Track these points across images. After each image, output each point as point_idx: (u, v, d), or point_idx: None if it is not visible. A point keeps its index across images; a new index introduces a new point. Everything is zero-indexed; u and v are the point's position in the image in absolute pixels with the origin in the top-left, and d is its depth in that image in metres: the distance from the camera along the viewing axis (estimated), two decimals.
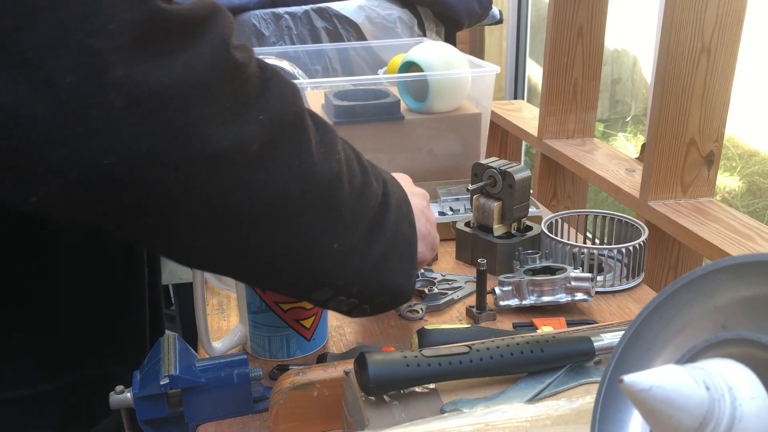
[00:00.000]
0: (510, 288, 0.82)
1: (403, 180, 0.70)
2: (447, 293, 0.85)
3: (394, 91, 1.19)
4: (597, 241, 0.97)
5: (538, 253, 0.86)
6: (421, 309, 0.82)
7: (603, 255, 0.92)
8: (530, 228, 0.95)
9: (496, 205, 0.92)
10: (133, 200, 0.45)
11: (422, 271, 0.89)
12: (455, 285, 0.88)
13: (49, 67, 0.40)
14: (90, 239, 0.69)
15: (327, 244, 0.54)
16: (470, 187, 0.92)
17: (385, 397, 0.53)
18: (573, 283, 0.81)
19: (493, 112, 1.75)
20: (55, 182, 0.42)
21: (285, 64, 1.29)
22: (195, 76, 0.44)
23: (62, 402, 0.69)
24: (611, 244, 0.94)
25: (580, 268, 0.84)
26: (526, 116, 1.75)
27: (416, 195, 0.69)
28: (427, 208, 0.70)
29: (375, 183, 0.59)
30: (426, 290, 0.84)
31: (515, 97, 2.58)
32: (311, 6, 1.64)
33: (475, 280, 0.84)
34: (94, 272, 0.71)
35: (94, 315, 0.71)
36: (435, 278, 0.89)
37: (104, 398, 0.65)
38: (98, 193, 0.44)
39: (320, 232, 0.54)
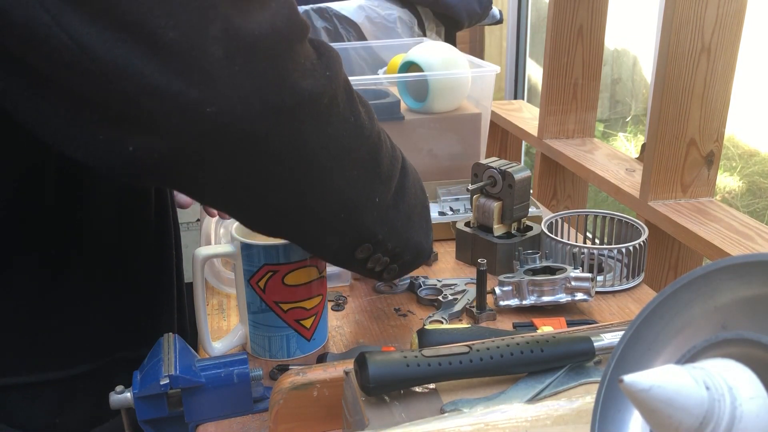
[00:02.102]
0: (510, 288, 0.82)
1: None
2: (458, 298, 0.85)
3: (394, 91, 1.19)
4: (597, 241, 0.97)
5: (538, 253, 0.86)
6: (444, 318, 0.81)
7: (603, 255, 0.92)
8: (530, 228, 0.95)
9: (496, 205, 0.92)
10: (225, 149, 0.47)
11: (422, 279, 0.89)
12: (458, 289, 0.87)
13: (152, 26, 0.43)
14: (121, 230, 0.71)
15: (371, 198, 0.59)
16: (470, 187, 0.92)
17: (385, 397, 0.53)
18: (573, 283, 0.81)
19: (493, 112, 1.75)
20: (157, 131, 0.45)
21: None
22: (278, 31, 0.48)
23: (98, 384, 0.70)
24: (611, 244, 0.94)
25: (580, 268, 0.84)
26: (526, 116, 1.75)
27: None
28: None
29: (396, 147, 0.65)
30: (440, 298, 0.84)
31: (515, 97, 2.57)
32: (311, 6, 1.64)
33: (474, 281, 0.84)
34: (128, 261, 0.72)
35: (127, 302, 0.73)
36: (435, 285, 0.88)
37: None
38: (196, 143, 0.46)
39: (366, 186, 0.58)
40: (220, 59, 0.45)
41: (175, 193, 0.86)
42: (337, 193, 0.56)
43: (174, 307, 0.82)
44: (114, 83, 0.43)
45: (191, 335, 0.80)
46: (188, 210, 0.89)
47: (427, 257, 0.71)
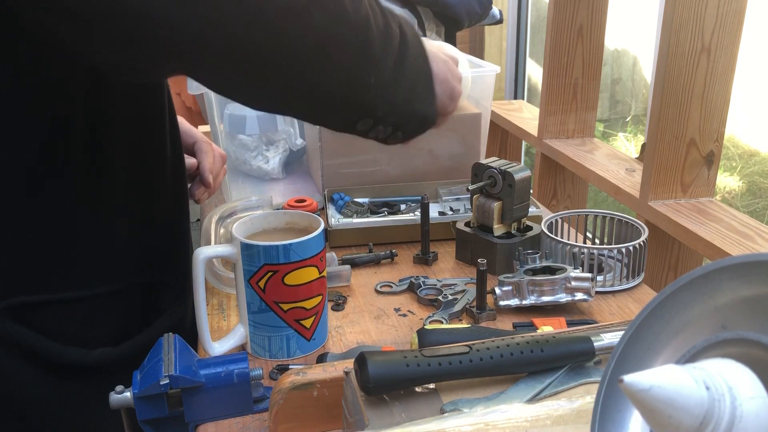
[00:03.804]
0: (510, 288, 0.82)
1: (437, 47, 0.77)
2: (458, 298, 0.85)
3: None
4: (597, 241, 0.98)
5: (538, 253, 0.86)
6: (444, 318, 0.81)
7: (603, 255, 0.92)
8: (530, 228, 0.95)
9: (496, 205, 0.92)
10: (212, 52, 0.54)
11: (422, 279, 0.89)
12: (458, 289, 0.87)
13: None
14: (142, 170, 0.77)
15: (365, 79, 0.63)
16: (470, 187, 0.92)
17: (385, 397, 0.53)
18: (573, 283, 0.81)
19: (493, 112, 1.75)
20: (161, 50, 0.53)
21: None
22: None
23: (122, 302, 0.77)
24: (611, 244, 0.94)
25: (580, 268, 0.84)
26: (526, 116, 1.75)
27: (438, 50, 0.76)
28: (449, 62, 0.76)
29: (393, 24, 0.67)
30: (440, 298, 0.84)
31: (515, 97, 2.57)
32: None
33: (473, 281, 0.84)
34: (147, 195, 0.78)
35: (145, 229, 0.78)
36: (435, 285, 0.88)
37: (154, 302, 0.80)
38: (193, 52, 0.54)
39: (358, 69, 0.62)
40: None
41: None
42: (329, 79, 0.61)
43: (189, 239, 0.88)
44: (120, 5, 0.51)
45: (192, 335, 0.81)
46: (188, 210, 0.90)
47: (432, 124, 0.73)
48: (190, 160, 0.93)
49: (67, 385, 0.74)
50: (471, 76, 1.16)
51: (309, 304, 0.73)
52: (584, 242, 0.99)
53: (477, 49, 3.13)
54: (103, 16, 0.52)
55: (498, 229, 0.93)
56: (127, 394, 0.62)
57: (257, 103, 0.64)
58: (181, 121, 0.95)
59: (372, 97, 0.64)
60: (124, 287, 0.77)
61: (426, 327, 0.72)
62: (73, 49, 0.58)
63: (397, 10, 1.67)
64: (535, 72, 2.91)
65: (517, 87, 2.60)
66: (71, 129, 0.68)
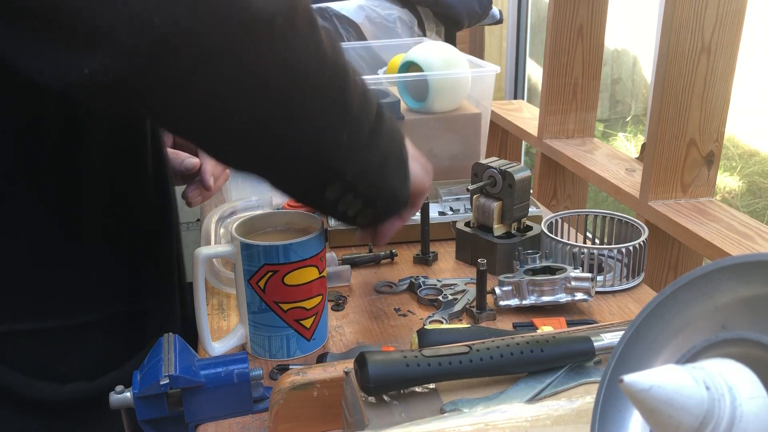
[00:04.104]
0: (510, 288, 0.82)
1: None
2: (458, 298, 0.85)
3: (394, 91, 1.19)
4: (597, 241, 0.98)
5: (538, 253, 0.86)
6: (444, 318, 0.81)
7: (603, 255, 0.92)
8: (530, 228, 0.95)
9: (496, 205, 0.92)
10: (174, 66, 0.47)
11: (422, 279, 0.89)
12: (458, 289, 0.87)
13: None
14: (120, 185, 0.73)
15: (338, 135, 0.58)
16: (470, 187, 0.92)
17: (385, 397, 0.53)
18: (573, 283, 0.81)
19: (493, 112, 1.75)
20: (108, 47, 0.45)
21: None
22: None
23: (101, 333, 0.73)
24: (611, 244, 0.94)
25: (580, 268, 0.84)
26: (526, 116, 1.75)
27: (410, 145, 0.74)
28: (422, 157, 0.74)
29: (372, 96, 0.63)
30: (440, 298, 0.84)
31: (515, 97, 2.57)
32: (311, 6, 1.63)
33: (473, 281, 0.84)
34: (127, 212, 0.75)
35: (129, 257, 0.75)
36: (435, 285, 0.88)
37: (139, 332, 0.76)
38: (147, 59, 0.46)
39: (331, 120, 0.57)
40: None
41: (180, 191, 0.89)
42: (300, 125, 0.55)
43: (174, 265, 0.84)
44: None
45: (192, 334, 0.80)
46: (188, 210, 0.90)
47: (403, 205, 0.70)
48: (192, 160, 0.90)
49: (38, 423, 0.70)
50: (471, 76, 1.16)
51: (309, 304, 0.73)
52: (584, 242, 0.99)
53: (477, 49, 3.13)
54: None
55: (498, 229, 0.93)
56: (127, 394, 0.62)
57: (213, 146, 0.57)
58: None
59: (343, 157, 0.59)
60: (104, 317, 0.73)
61: (426, 327, 0.72)
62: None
63: (397, 10, 1.67)
64: (535, 72, 2.91)
65: (517, 87, 2.60)
66: (40, 139, 0.64)
